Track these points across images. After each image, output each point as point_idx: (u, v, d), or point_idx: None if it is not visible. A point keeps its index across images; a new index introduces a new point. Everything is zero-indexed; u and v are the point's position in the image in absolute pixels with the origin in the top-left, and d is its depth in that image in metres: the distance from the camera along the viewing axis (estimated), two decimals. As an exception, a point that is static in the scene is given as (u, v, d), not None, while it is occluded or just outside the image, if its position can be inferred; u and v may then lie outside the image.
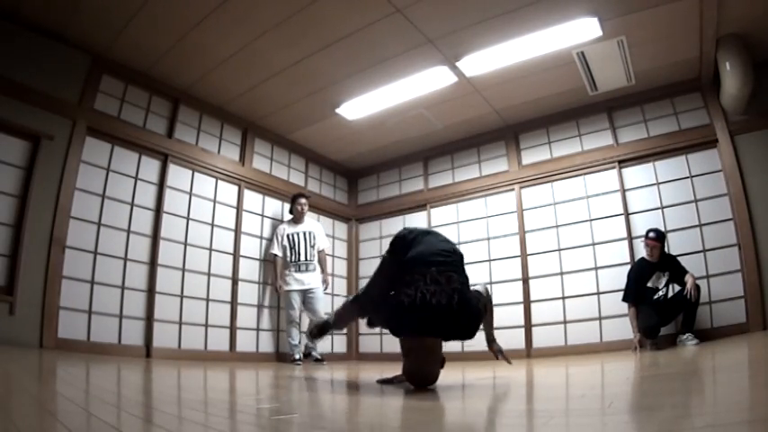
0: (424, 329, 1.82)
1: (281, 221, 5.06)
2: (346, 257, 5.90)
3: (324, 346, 5.25)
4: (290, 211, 4.78)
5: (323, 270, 4.73)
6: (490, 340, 2.41)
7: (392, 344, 5.28)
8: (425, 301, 1.76)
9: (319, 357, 4.45)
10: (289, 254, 4.58)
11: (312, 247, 4.64)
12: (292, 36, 3.59)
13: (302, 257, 4.57)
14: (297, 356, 4.34)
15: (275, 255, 4.60)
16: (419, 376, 1.86)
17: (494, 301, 4.79)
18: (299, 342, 4.43)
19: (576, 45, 3.72)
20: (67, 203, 3.43)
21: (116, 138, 3.83)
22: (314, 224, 4.87)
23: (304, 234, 4.65)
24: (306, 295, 4.51)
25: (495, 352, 2.41)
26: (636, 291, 3.75)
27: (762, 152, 3.82)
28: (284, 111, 4.73)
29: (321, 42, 3.68)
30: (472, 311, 1.91)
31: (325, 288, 4.73)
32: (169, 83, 4.21)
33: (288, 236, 4.63)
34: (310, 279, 4.55)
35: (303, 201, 4.73)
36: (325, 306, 4.73)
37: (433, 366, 1.87)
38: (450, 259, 1.92)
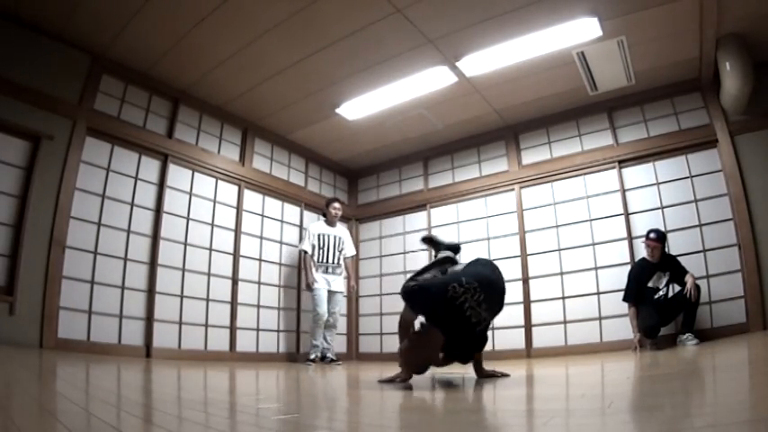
0: (441, 324, 2.00)
1: (282, 221, 5.08)
2: (346, 257, 5.91)
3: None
4: (323, 214, 4.88)
5: (349, 276, 4.81)
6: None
7: (392, 344, 5.29)
8: (462, 308, 1.93)
9: (334, 358, 4.49)
10: (317, 253, 4.62)
11: (340, 251, 4.73)
12: (292, 36, 3.59)
13: (329, 259, 4.63)
14: (312, 356, 4.37)
15: (305, 251, 4.62)
16: (422, 363, 2.05)
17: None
18: (321, 344, 4.47)
19: (576, 45, 3.72)
20: (67, 203, 3.43)
21: (116, 138, 3.83)
22: (344, 230, 4.96)
23: (334, 237, 4.73)
24: (329, 296, 4.58)
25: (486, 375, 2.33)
26: (636, 291, 3.75)
27: (762, 152, 3.82)
28: (284, 111, 4.73)
29: (321, 42, 3.68)
30: (482, 341, 2.15)
31: (347, 294, 4.83)
32: (169, 83, 4.21)
33: (318, 235, 4.68)
34: (336, 282, 4.64)
35: (338, 205, 4.83)
36: (343, 309, 4.83)
37: (433, 358, 2.06)
38: (495, 293, 2.10)
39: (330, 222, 4.80)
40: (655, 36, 3.64)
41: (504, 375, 2.35)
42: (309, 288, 4.54)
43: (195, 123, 4.48)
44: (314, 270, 4.56)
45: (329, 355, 4.48)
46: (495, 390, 1.92)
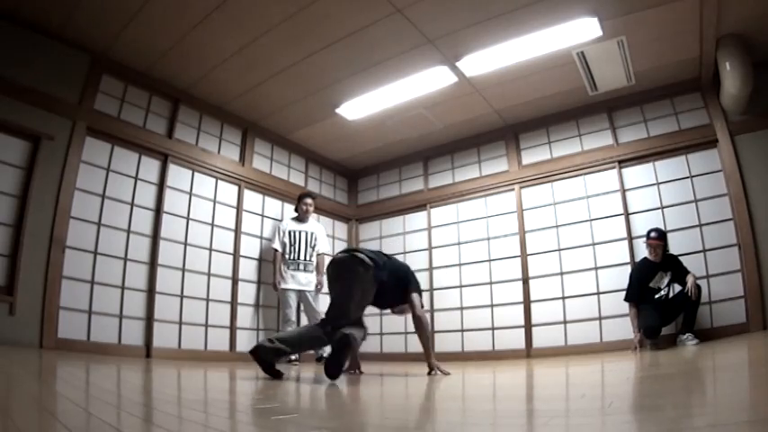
0: None
1: (278, 219, 5.06)
2: (346, 257, 5.89)
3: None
4: (296, 209, 4.72)
5: (319, 272, 4.62)
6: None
7: (393, 344, 5.30)
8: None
9: (293, 359, 4.18)
10: (288, 251, 4.49)
11: (312, 248, 4.59)
12: (292, 36, 3.59)
13: (301, 256, 4.51)
14: (293, 357, 4.23)
15: (275, 250, 4.51)
16: None
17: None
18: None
19: (576, 45, 3.72)
20: (67, 203, 3.43)
21: (116, 138, 3.83)
22: (317, 226, 4.81)
23: (306, 234, 4.59)
24: (302, 295, 4.45)
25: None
26: (638, 290, 3.75)
27: (762, 152, 3.82)
28: (284, 111, 4.73)
29: (321, 42, 3.68)
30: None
31: (320, 289, 4.58)
32: (169, 83, 4.21)
33: (289, 232, 4.54)
34: (307, 279, 4.49)
35: (309, 201, 4.65)
36: (321, 306, 4.64)
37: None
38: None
39: (301, 218, 4.62)
40: (655, 36, 3.64)
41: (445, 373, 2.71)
42: (275, 288, 4.42)
43: (195, 123, 4.48)
44: (284, 268, 4.43)
45: (324, 354, 4.30)
46: (496, 389, 1.92)
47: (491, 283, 4.87)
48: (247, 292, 4.61)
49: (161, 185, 4.07)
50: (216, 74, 4.08)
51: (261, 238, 4.88)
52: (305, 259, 4.52)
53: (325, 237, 4.83)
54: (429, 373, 2.75)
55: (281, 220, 4.91)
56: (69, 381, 1.85)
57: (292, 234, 4.54)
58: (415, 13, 3.35)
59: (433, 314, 5.06)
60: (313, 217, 4.84)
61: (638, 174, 4.37)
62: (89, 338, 3.42)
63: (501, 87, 4.35)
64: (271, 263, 4.80)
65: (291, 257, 4.48)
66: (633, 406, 1.27)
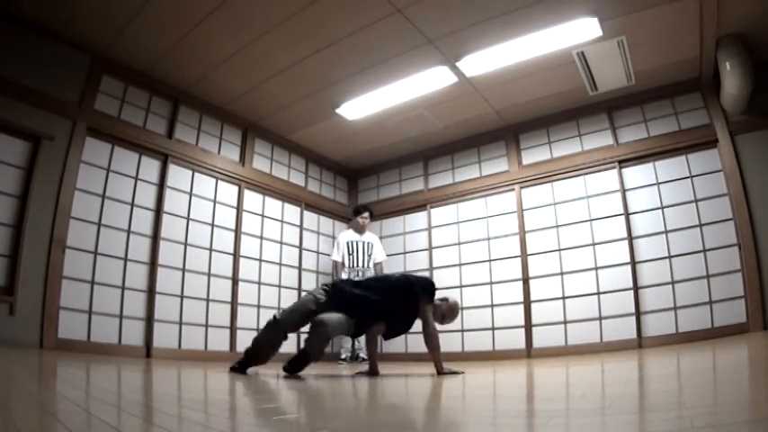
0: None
1: (282, 221, 5.09)
2: (346, 257, 5.91)
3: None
4: (351, 221, 5.09)
5: None
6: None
7: (392, 345, 5.28)
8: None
9: (365, 357, 4.53)
10: (347, 260, 4.83)
11: (369, 256, 4.91)
12: (293, 36, 3.59)
13: (359, 264, 4.83)
14: (343, 356, 4.63)
15: (335, 261, 4.88)
16: None
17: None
18: (351, 345, 4.72)
19: (576, 45, 3.72)
20: (68, 204, 3.44)
21: (116, 138, 3.83)
22: (373, 237, 5.12)
23: (363, 243, 4.92)
24: None
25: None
26: None
27: (762, 152, 3.82)
28: (284, 111, 4.73)
29: (321, 42, 3.68)
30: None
31: None
32: (169, 83, 4.21)
33: (348, 243, 4.90)
34: None
35: (366, 215, 4.98)
36: None
37: None
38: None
39: (358, 230, 4.98)
40: (655, 36, 3.64)
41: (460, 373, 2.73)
42: None
43: (195, 123, 4.48)
44: (345, 277, 4.76)
45: (361, 354, 4.60)
46: (496, 389, 1.92)
47: (491, 283, 4.87)
48: (248, 293, 4.61)
49: (161, 186, 4.07)
50: (216, 74, 4.08)
51: (261, 238, 4.88)
52: (363, 267, 4.85)
53: (380, 246, 5.14)
54: (438, 374, 2.73)
55: (280, 221, 5.08)
56: (69, 381, 1.85)
57: (351, 245, 4.90)
58: (415, 13, 3.35)
59: (433, 314, 5.06)
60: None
61: (638, 174, 4.37)
62: (89, 339, 3.42)
63: (501, 87, 4.35)
64: (278, 265, 4.90)
65: (351, 266, 4.83)
66: (633, 406, 1.27)
